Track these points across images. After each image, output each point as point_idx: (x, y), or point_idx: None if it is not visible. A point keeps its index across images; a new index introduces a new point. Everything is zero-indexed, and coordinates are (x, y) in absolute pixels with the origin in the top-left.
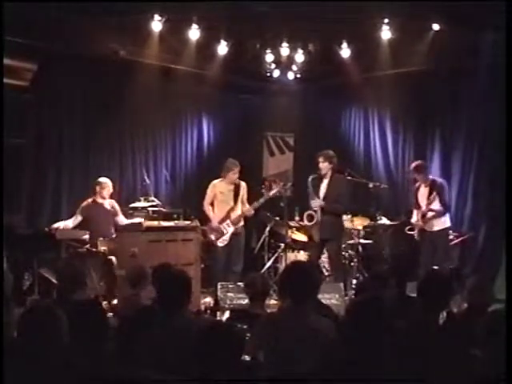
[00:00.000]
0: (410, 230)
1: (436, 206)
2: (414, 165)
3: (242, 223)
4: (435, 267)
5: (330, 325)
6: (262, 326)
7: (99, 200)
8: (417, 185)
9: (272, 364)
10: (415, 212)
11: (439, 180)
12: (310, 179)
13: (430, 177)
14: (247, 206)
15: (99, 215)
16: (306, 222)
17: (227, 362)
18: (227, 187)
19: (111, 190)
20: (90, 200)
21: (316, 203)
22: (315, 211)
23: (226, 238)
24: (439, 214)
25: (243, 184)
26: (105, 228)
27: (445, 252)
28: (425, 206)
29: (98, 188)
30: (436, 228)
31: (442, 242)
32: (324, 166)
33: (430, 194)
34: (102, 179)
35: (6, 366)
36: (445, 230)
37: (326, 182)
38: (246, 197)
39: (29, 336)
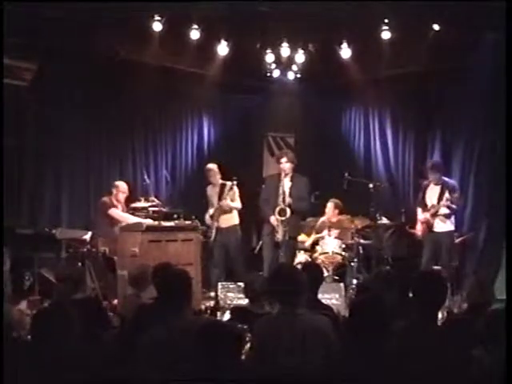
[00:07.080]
0: (411, 228)
1: (447, 206)
2: (432, 162)
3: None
4: (432, 267)
5: (326, 323)
6: (258, 328)
7: (114, 202)
8: (425, 183)
9: (269, 364)
10: (419, 210)
11: (451, 181)
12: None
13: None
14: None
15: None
16: (277, 217)
17: (227, 361)
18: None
19: (126, 194)
20: (107, 199)
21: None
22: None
23: None
24: (449, 215)
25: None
26: (109, 230)
27: (449, 254)
28: (436, 205)
29: (114, 191)
30: (442, 229)
31: (447, 243)
32: (287, 166)
33: (441, 193)
34: (120, 183)
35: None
36: (450, 232)
37: (287, 180)
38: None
39: (39, 336)
